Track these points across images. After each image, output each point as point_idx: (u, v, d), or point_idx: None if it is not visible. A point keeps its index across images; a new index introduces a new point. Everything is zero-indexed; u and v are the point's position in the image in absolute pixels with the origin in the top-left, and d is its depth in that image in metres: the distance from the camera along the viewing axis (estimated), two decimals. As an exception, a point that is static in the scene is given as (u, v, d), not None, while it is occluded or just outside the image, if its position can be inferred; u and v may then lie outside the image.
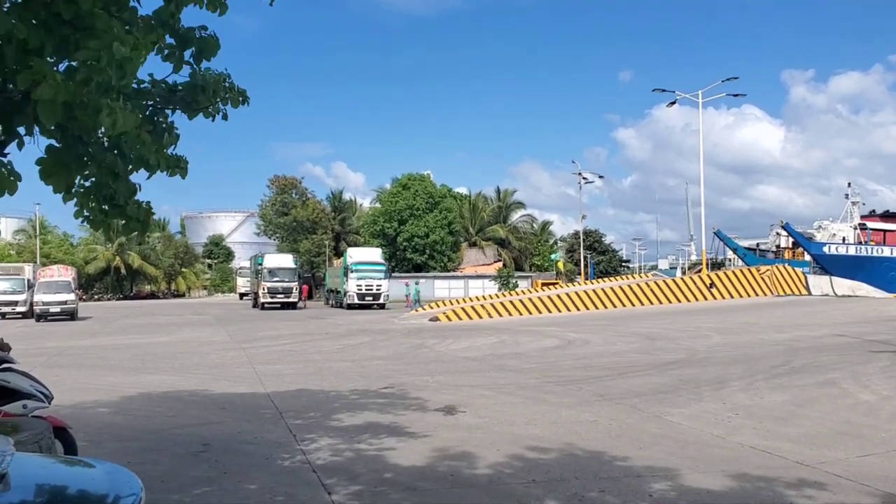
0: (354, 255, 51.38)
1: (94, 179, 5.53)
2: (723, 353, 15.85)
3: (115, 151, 5.45)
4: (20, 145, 5.48)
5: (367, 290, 48.15)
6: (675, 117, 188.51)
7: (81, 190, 5.62)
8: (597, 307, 33.40)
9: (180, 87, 6.21)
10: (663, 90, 42.36)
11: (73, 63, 4.81)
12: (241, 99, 6.34)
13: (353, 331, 26.51)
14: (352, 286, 48.19)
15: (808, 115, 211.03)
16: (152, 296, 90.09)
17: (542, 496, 6.07)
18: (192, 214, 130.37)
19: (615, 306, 33.62)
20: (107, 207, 5.68)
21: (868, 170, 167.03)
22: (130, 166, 5.57)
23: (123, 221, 5.80)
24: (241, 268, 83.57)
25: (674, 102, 44.11)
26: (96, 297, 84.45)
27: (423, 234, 69.77)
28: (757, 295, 35.75)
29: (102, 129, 5.30)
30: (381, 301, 48.42)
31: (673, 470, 6.83)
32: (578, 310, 32.94)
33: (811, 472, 6.70)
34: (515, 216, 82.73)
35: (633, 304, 33.93)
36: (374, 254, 53.16)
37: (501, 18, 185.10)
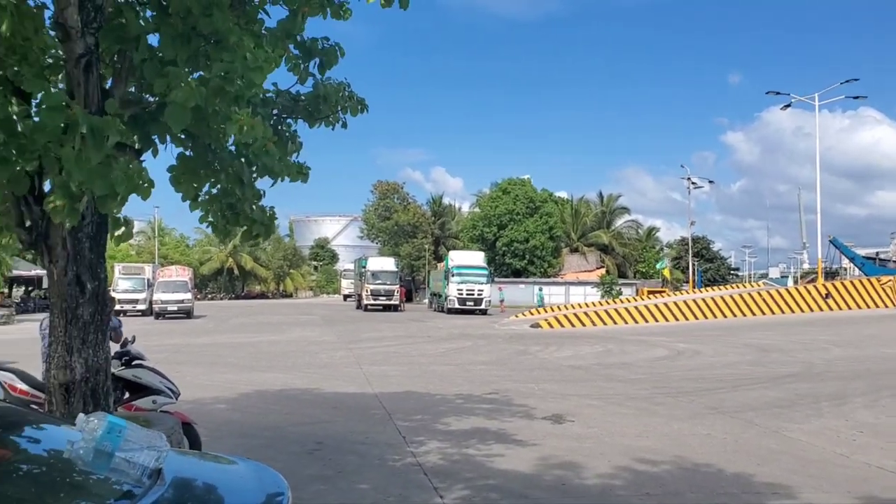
0: (456, 258, 50.54)
1: (220, 186, 5.80)
2: (842, 366, 15.09)
3: (242, 160, 5.69)
4: (154, 153, 5.81)
5: (468, 294, 47.23)
6: (786, 120, 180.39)
7: (207, 197, 5.90)
8: (706, 317, 32.41)
9: (303, 97, 6.44)
10: (777, 93, 40.73)
11: (203, 73, 5.06)
12: (359, 107, 6.52)
13: (454, 335, 26.68)
14: (452, 290, 47.37)
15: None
16: (262, 296, 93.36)
17: (654, 510, 5.94)
18: (299, 218, 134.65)
19: (725, 316, 32.53)
20: (229, 214, 5.94)
21: None
22: (255, 174, 5.81)
23: (244, 227, 6.05)
24: (345, 270, 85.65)
25: (788, 105, 42.42)
26: (210, 296, 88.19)
27: (522, 238, 69.42)
28: (878, 306, 33.84)
29: (231, 139, 5.59)
30: (482, 306, 47.35)
31: (794, 488, 6.55)
32: (687, 319, 32.04)
33: (948, 498, 6.29)
34: (619, 221, 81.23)
35: (744, 314, 32.73)
36: (477, 258, 51.88)
37: (603, 22, 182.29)
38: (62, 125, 4.16)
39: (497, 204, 70.44)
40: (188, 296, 41.31)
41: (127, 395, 6.66)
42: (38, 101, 4.69)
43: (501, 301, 51.24)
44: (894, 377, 13.26)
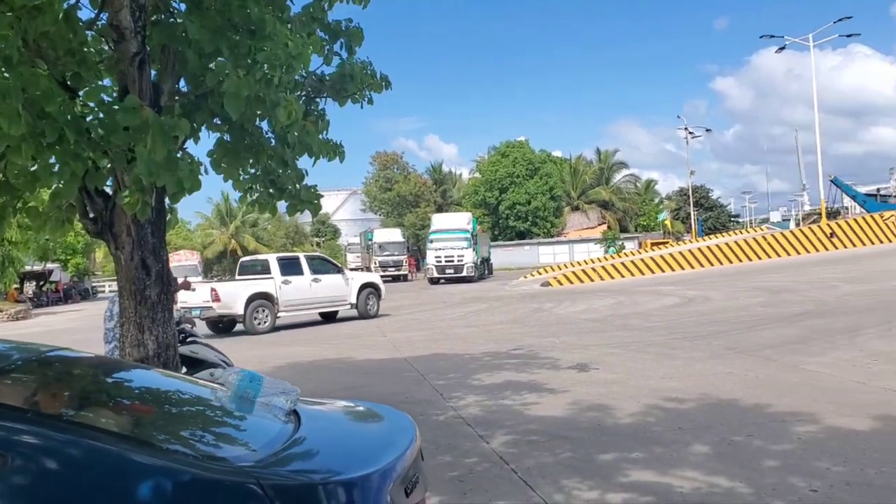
0: (436, 221, 46.54)
1: (262, 166, 6.15)
2: (854, 301, 15.51)
3: (281, 141, 6.03)
4: (196, 140, 6.16)
5: (447, 261, 42.32)
6: (777, 63, 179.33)
7: (248, 177, 6.26)
8: (711, 264, 32.83)
9: (328, 77, 6.76)
10: (771, 36, 40.82)
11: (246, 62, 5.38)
12: (384, 84, 6.84)
13: (468, 299, 27.14)
14: (430, 258, 42.99)
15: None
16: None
17: (690, 441, 6.36)
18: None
19: (730, 262, 32.94)
20: (273, 190, 6.30)
21: None
22: (295, 154, 6.15)
23: (288, 203, 6.40)
24: (349, 244, 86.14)
25: (783, 48, 42.42)
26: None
27: (524, 201, 69.81)
28: (882, 242, 34.22)
29: (267, 121, 5.92)
30: (463, 273, 42.15)
31: (817, 414, 6.97)
32: (693, 268, 32.47)
33: (963, 412, 6.72)
34: (618, 177, 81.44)
35: (750, 259, 33.15)
36: (458, 219, 46.71)
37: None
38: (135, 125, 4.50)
39: (497, 168, 70.67)
40: (198, 279, 41.89)
41: (184, 369, 7.07)
42: (81, 97, 5.05)
43: None
44: (903, 308, 13.68)
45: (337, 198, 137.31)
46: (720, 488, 5.14)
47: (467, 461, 6.16)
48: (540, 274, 39.06)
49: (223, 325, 19.75)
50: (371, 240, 54.39)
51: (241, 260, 24.09)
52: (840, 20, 38.55)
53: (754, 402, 7.62)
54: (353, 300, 21.10)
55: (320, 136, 6.46)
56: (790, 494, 4.93)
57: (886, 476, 5.18)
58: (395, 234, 55.34)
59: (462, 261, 42.37)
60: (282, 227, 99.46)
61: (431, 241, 43.86)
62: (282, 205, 6.62)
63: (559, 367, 10.46)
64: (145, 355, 5.40)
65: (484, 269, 48.47)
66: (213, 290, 18.96)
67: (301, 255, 22.02)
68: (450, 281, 42.25)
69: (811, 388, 8.19)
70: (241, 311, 18.85)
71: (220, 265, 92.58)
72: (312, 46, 5.42)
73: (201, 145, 6.91)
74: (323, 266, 21.36)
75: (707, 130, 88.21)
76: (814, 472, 5.36)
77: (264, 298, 19.28)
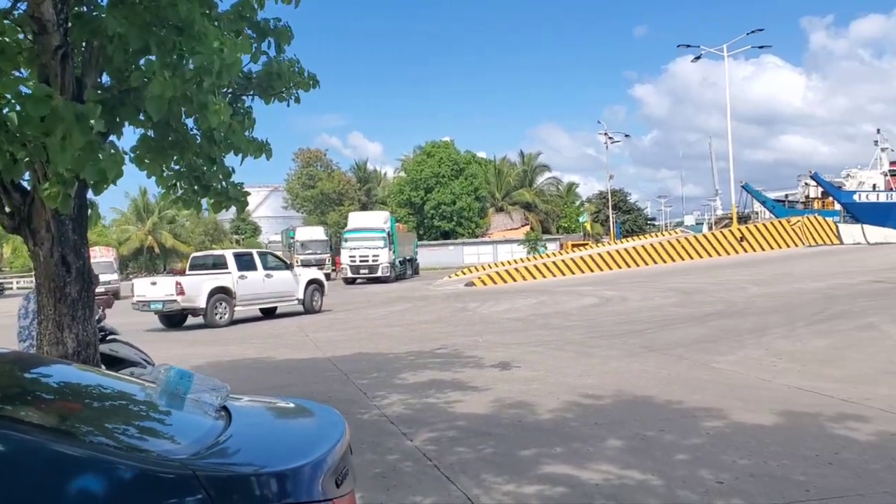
0: (352, 220, 45.42)
1: (187, 163, 6.09)
2: (761, 303, 16.25)
3: (207, 139, 5.99)
4: (119, 135, 6.05)
5: (361, 261, 41.27)
6: (693, 71, 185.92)
7: (172, 173, 6.19)
8: (628, 265, 33.76)
9: (255, 75, 6.74)
10: (688, 45, 42.33)
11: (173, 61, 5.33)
12: (311, 83, 6.86)
13: (392, 299, 27.20)
14: (345, 257, 41.81)
15: (829, 62, 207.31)
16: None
17: (605, 436, 6.61)
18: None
19: (647, 264, 33.95)
20: (198, 188, 6.24)
21: (895, 115, 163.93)
22: (221, 152, 6.11)
23: (213, 201, 6.36)
24: (270, 242, 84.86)
25: (699, 57, 44.01)
26: (131, 276, 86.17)
27: (449, 201, 70.28)
28: (789, 246, 35.85)
29: (193, 119, 5.88)
30: (378, 274, 41.36)
31: (724, 410, 7.34)
32: (611, 269, 33.33)
33: (856, 408, 7.17)
34: (541, 179, 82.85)
35: (665, 261, 34.22)
36: (374, 218, 45.45)
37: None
38: (47, 115, 4.41)
39: (422, 167, 70.91)
40: (114, 276, 40.55)
41: (103, 368, 6.93)
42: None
43: None
44: (807, 309, 14.40)
45: (258, 194, 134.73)
46: (633, 480, 5.38)
47: (390, 458, 6.25)
48: (464, 274, 39.41)
49: (177, 320, 20.11)
50: (293, 238, 53.72)
51: (192, 255, 24.55)
52: (753, 32, 40.33)
53: (666, 399, 7.96)
54: (301, 296, 21.85)
55: (246, 134, 6.46)
56: (698, 486, 5.20)
57: (787, 468, 5.51)
58: (317, 233, 54.76)
59: (377, 261, 41.40)
60: (200, 224, 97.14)
61: (346, 241, 42.81)
62: (203, 201, 6.56)
63: (482, 366, 10.65)
64: (65, 353, 5.30)
65: (407, 269, 48.01)
66: (177, 283, 19.33)
67: (254, 252, 22.67)
68: (369, 281, 41.67)
69: (720, 385, 8.59)
70: (203, 304, 19.29)
71: (137, 262, 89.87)
72: (242, 48, 5.41)
73: (125, 141, 6.87)
74: (274, 262, 22.09)
75: (626, 136, 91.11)
76: (721, 464, 5.65)
77: (224, 293, 19.83)
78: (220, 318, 19.63)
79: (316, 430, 2.61)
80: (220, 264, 20.95)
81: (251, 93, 6.69)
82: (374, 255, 41.30)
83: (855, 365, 9.25)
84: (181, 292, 19.03)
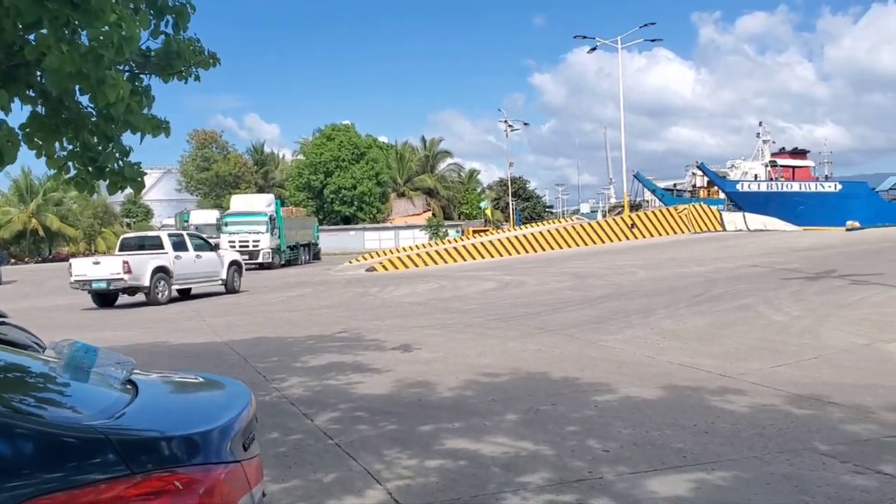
0: (233, 203, 44.02)
1: (81, 143, 5.94)
2: (648, 286, 17.05)
3: (103, 116, 5.86)
4: (7, 111, 5.84)
5: (241, 246, 37.90)
6: (589, 62, 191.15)
7: (65, 153, 6.02)
8: (527, 251, 34.57)
9: (153, 53, 6.60)
10: (584, 37, 43.42)
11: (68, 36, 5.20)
12: (211, 61, 6.78)
13: (291, 283, 26.97)
14: (224, 242, 37.57)
15: (716, 57, 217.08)
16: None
17: (502, 411, 6.89)
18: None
19: (544, 249, 34.84)
20: (92, 168, 6.10)
21: (776, 108, 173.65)
22: (117, 130, 5.98)
23: (107, 182, 6.23)
24: (163, 226, 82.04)
25: (594, 49, 45.23)
26: (12, 261, 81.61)
27: (350, 185, 69.90)
28: (676, 233, 37.52)
29: (88, 96, 5.73)
30: (259, 260, 39.45)
31: (612, 385, 7.76)
32: (510, 254, 34.04)
33: (732, 382, 7.73)
34: (442, 165, 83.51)
35: (561, 247, 35.21)
36: (257, 201, 43.64)
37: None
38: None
39: (322, 151, 70.18)
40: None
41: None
42: None
43: None
44: (690, 292, 15.22)
45: (150, 176, 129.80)
46: (527, 451, 5.66)
47: (292, 438, 6.33)
48: (365, 259, 39.36)
49: (111, 299, 20.73)
50: (187, 221, 52.07)
51: (123, 237, 25.01)
52: (645, 25, 41.73)
53: (559, 376, 8.33)
54: (224, 276, 22.98)
55: (145, 112, 6.34)
56: (587, 455, 5.53)
57: (667, 437, 5.92)
58: (212, 216, 53.18)
59: (258, 246, 39.66)
60: (89, 207, 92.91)
61: (226, 225, 40.97)
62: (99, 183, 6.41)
63: (383, 349, 10.79)
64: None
65: (301, 255, 46.52)
66: (125, 262, 19.81)
67: (185, 233, 23.83)
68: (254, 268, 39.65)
69: (609, 362, 9.05)
70: (147, 282, 20.05)
71: (19, 246, 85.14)
72: (141, 23, 5.32)
73: (12, 118, 6.52)
74: (201, 244, 22.99)
75: (525, 124, 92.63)
76: (608, 435, 6.01)
77: (164, 272, 20.70)
78: (161, 295, 20.43)
79: (223, 400, 2.69)
80: (154, 245, 21.65)
81: (148, 72, 6.56)
82: (254, 241, 39.66)
83: (731, 342, 9.91)
84: (129, 271, 19.62)
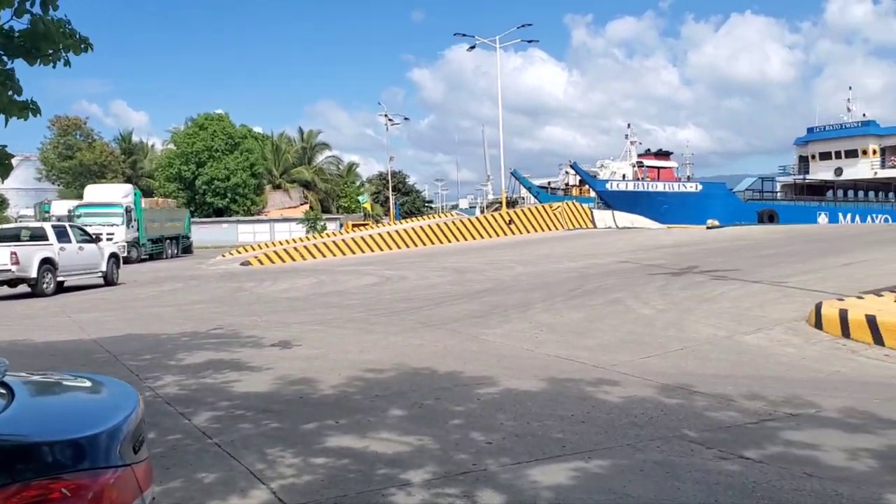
0: (87, 194, 42.36)
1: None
2: (525, 281, 17.49)
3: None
4: None
5: None
6: (467, 60, 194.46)
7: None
8: (407, 246, 34.71)
9: (18, 34, 6.18)
10: (464, 35, 44.01)
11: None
12: (83, 46, 6.42)
13: (161, 278, 25.94)
14: None
15: (588, 59, 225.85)
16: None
17: (386, 407, 6.90)
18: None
19: (424, 244, 35.09)
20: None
21: (642, 111, 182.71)
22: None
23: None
24: (20, 216, 76.90)
25: (473, 47, 45.91)
26: None
27: (223, 176, 67.86)
28: (551, 230, 38.69)
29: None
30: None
31: (494, 378, 7.93)
32: (390, 249, 34.07)
33: (606, 373, 8.06)
34: (320, 157, 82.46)
35: (441, 242, 35.58)
36: (112, 192, 42.00)
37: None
38: None
39: (194, 140, 67.77)
40: None
41: None
42: None
43: None
44: (565, 286, 15.72)
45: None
46: (411, 446, 5.70)
47: (169, 438, 6.10)
48: (240, 253, 38.38)
49: None
50: (48, 212, 49.04)
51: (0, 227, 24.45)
52: (523, 26, 42.89)
53: (443, 370, 8.43)
54: (105, 268, 23.05)
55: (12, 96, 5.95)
56: (470, 447, 5.62)
57: (547, 428, 6.11)
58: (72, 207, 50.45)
59: (112, 239, 36.31)
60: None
61: (79, 217, 38.02)
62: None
63: (262, 345, 10.57)
64: None
65: (167, 248, 44.58)
66: (13, 253, 19.59)
67: (66, 224, 23.99)
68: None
69: (490, 355, 9.24)
70: (34, 274, 19.95)
71: None
72: (2, 1, 4.98)
73: None
74: (83, 235, 22.95)
75: (405, 119, 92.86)
76: (491, 427, 6.14)
77: (50, 263, 20.57)
78: (48, 287, 20.39)
79: (109, 401, 2.57)
80: (37, 236, 21.54)
81: (11, 55, 6.14)
82: (108, 233, 36.35)
83: (604, 335, 10.32)
84: (16, 262, 19.50)
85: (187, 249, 48.75)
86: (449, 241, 35.75)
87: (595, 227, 40.77)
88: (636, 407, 6.70)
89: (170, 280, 24.61)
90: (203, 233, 60.06)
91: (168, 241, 45.25)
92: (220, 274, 26.79)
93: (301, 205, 74.84)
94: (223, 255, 38.29)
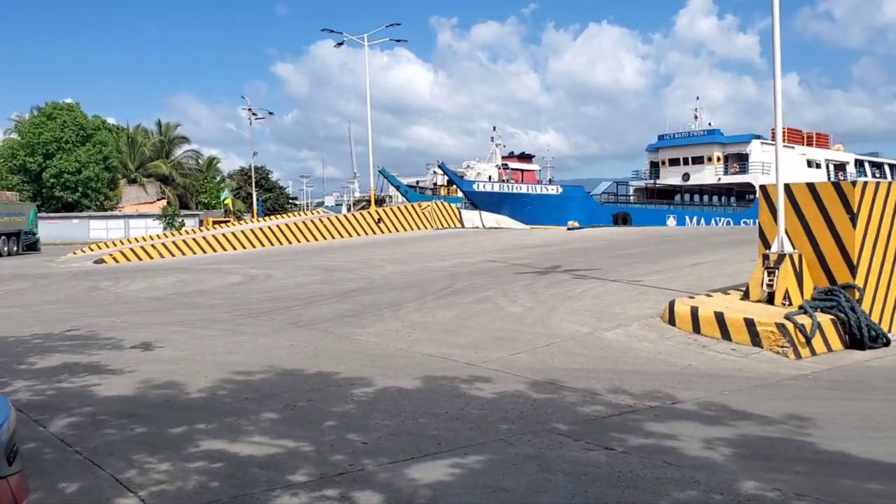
0: None
1: None
2: (397, 280, 17.54)
3: None
4: None
5: None
6: (333, 56, 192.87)
7: None
8: (272, 244, 33.95)
9: None
10: (332, 31, 43.94)
11: None
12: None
13: (5, 276, 24.13)
14: None
15: (453, 61, 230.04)
16: None
17: (258, 409, 6.76)
18: None
19: (290, 242, 34.46)
20: None
21: (506, 114, 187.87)
22: None
23: None
24: None
25: (341, 43, 45.57)
26: None
27: (74, 169, 63.96)
28: (420, 229, 38.97)
29: None
30: None
31: (368, 378, 7.92)
32: (254, 247, 33.22)
33: (478, 370, 8.24)
34: (179, 151, 79.23)
35: (308, 240, 35.05)
36: None
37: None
38: None
39: (41, 131, 63.48)
40: None
41: None
42: None
43: None
44: (436, 285, 15.87)
45: None
46: (285, 449, 5.61)
47: (25, 447, 5.66)
48: (92, 250, 36.28)
49: None
50: None
51: None
52: (391, 25, 42.95)
53: (315, 371, 8.34)
54: None
55: None
56: (346, 448, 5.61)
57: (422, 426, 6.18)
58: None
59: None
60: None
61: None
62: None
63: (122, 348, 10.07)
64: None
65: (13, 245, 41.69)
66: None
67: None
68: None
69: (363, 355, 9.22)
70: None
71: None
72: None
73: None
74: None
75: (270, 113, 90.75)
76: (367, 427, 6.15)
77: None
78: None
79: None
80: None
81: None
82: None
83: (475, 333, 10.53)
84: None
85: (33, 246, 45.47)
86: (316, 240, 35.29)
87: (463, 226, 41.41)
88: (508, 402, 6.89)
89: (16, 279, 22.92)
90: (51, 228, 56.34)
91: (8, 237, 42.01)
92: (71, 272, 25.21)
93: (158, 200, 71.60)
94: (74, 253, 36.06)
